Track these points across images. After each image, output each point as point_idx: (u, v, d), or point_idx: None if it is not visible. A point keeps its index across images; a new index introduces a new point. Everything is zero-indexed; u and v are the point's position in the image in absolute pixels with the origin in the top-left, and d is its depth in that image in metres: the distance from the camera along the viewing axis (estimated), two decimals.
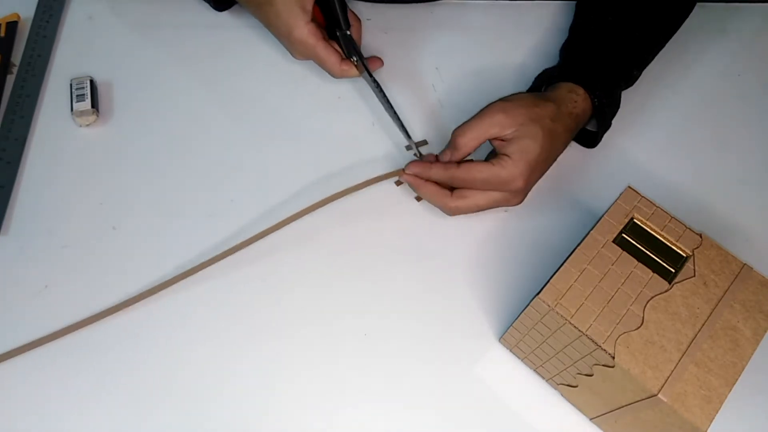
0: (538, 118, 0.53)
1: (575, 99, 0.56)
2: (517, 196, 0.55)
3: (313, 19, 0.58)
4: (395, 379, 0.52)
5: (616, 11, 0.61)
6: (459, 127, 0.54)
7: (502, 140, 0.54)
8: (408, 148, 0.59)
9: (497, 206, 0.56)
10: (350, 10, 0.61)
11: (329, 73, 0.60)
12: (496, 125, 0.53)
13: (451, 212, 0.56)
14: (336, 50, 0.59)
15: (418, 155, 0.59)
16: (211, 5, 0.67)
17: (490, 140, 0.55)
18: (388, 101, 0.59)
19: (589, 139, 0.62)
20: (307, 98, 0.64)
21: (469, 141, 0.54)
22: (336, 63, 0.59)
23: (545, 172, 0.56)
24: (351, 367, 0.52)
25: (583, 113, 0.56)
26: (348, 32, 0.58)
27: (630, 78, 0.62)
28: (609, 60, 0.59)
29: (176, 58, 0.65)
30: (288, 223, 0.55)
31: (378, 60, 0.62)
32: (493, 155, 0.55)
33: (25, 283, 0.53)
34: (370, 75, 0.59)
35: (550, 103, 0.55)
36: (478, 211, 0.56)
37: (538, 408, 0.52)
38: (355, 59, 0.59)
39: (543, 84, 0.61)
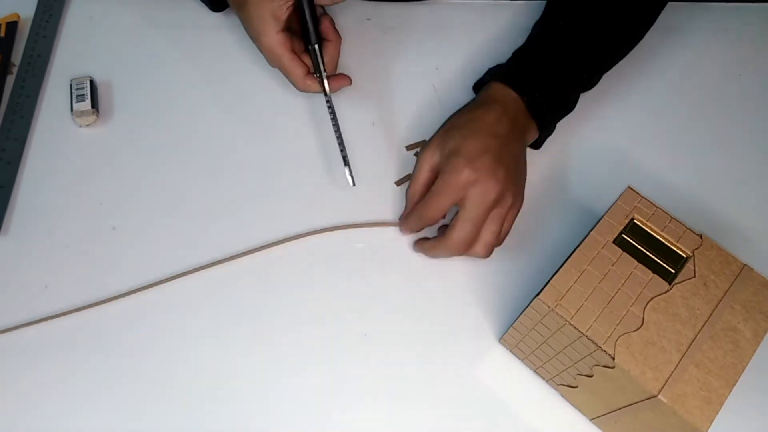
0: (454, 125, 0.55)
1: (501, 93, 0.56)
2: (487, 189, 0.51)
3: (290, 29, 0.57)
4: (395, 380, 0.52)
5: (568, 17, 0.60)
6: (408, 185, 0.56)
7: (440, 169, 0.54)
8: (346, 166, 0.58)
9: (486, 208, 0.52)
10: (332, 25, 0.59)
11: (293, 85, 0.59)
12: (426, 164, 0.54)
13: (465, 244, 0.52)
14: (303, 63, 0.58)
15: (348, 170, 0.58)
16: (207, 6, 0.67)
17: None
18: (337, 125, 0.58)
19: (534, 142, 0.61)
20: (307, 98, 0.64)
21: (415, 192, 0.55)
22: (300, 76, 0.58)
23: (501, 155, 0.53)
24: (351, 367, 0.52)
25: (512, 102, 0.56)
26: (316, 46, 0.57)
27: (579, 81, 0.60)
28: (547, 62, 0.58)
29: (176, 58, 0.65)
30: (289, 241, 0.56)
31: (345, 78, 0.61)
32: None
33: (25, 283, 0.53)
34: (326, 95, 0.58)
35: (470, 106, 0.56)
36: (486, 221, 0.52)
37: (538, 408, 0.52)
38: (317, 75, 0.58)
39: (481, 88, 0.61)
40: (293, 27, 0.58)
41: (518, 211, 0.55)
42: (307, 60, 0.59)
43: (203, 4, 0.67)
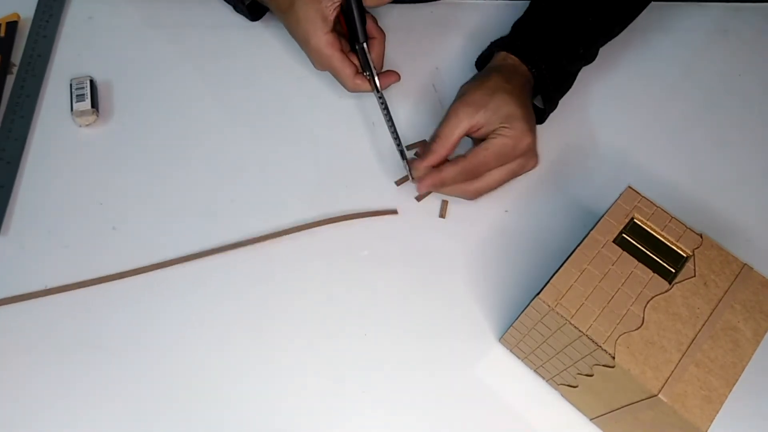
0: (496, 89, 0.56)
1: (512, 62, 0.58)
2: (530, 155, 0.56)
3: (338, 29, 0.58)
4: (395, 379, 0.52)
5: None
6: (435, 132, 0.57)
7: (479, 128, 0.55)
8: (404, 159, 0.58)
9: (516, 175, 0.57)
10: (375, 23, 0.60)
11: (343, 86, 0.59)
12: (464, 118, 0.55)
13: (473, 195, 0.57)
14: (352, 63, 0.58)
15: (409, 173, 0.58)
16: (246, 17, 0.66)
17: (470, 136, 0.57)
18: (391, 121, 0.58)
19: (538, 116, 0.62)
20: (307, 98, 0.64)
21: (446, 141, 0.55)
22: (350, 76, 0.58)
23: (535, 128, 0.57)
24: (351, 367, 0.52)
25: (525, 72, 0.58)
26: (365, 45, 0.57)
27: (575, 55, 0.61)
28: (547, 33, 0.60)
29: (176, 58, 0.65)
30: (286, 234, 0.56)
31: (394, 74, 0.60)
32: (479, 142, 0.56)
33: (25, 283, 0.53)
34: (378, 93, 0.58)
35: (493, 73, 0.58)
36: (499, 186, 0.57)
37: (538, 408, 0.52)
38: (367, 74, 0.58)
39: (486, 60, 0.62)
40: (338, 28, 0.58)
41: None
42: (355, 60, 0.58)
43: (239, 14, 0.67)
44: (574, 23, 0.61)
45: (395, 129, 0.58)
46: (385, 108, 0.58)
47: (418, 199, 0.59)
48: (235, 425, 0.49)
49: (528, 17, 0.62)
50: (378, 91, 0.58)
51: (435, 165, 0.56)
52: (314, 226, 0.57)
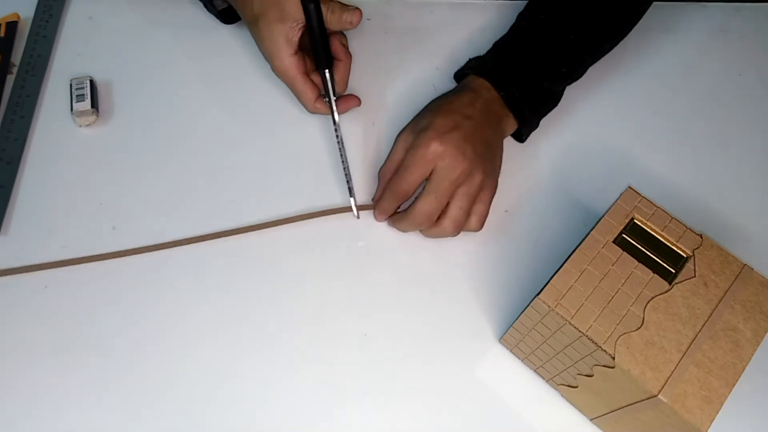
0: (425, 114, 0.56)
1: (481, 84, 0.57)
2: (454, 164, 0.52)
3: (302, 47, 0.57)
4: (395, 380, 0.52)
5: (550, 10, 0.60)
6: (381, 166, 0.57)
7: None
8: (351, 197, 0.58)
9: (451, 183, 0.52)
10: (343, 44, 0.59)
11: (304, 107, 0.59)
12: (400, 145, 0.55)
13: (427, 218, 0.54)
14: (314, 86, 0.58)
15: (355, 210, 0.58)
16: (219, 20, 0.66)
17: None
18: (344, 152, 0.58)
19: (516, 136, 0.62)
20: None
21: (387, 171, 0.56)
22: (310, 100, 0.58)
23: (471, 134, 0.54)
24: (351, 367, 0.52)
25: (494, 96, 0.57)
26: (326, 73, 0.56)
27: (558, 75, 0.60)
28: (523, 54, 0.58)
29: (176, 58, 0.65)
30: (282, 224, 0.56)
31: (354, 99, 0.61)
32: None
33: (25, 283, 0.53)
34: (334, 123, 0.57)
35: (460, 93, 0.57)
36: (455, 197, 0.53)
37: (538, 408, 0.52)
38: (326, 100, 0.58)
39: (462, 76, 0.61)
40: (305, 45, 0.58)
41: (492, 194, 0.55)
42: (318, 80, 0.58)
43: (214, 18, 0.67)
44: (554, 43, 0.59)
45: (347, 164, 0.58)
46: (340, 140, 0.58)
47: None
48: (234, 425, 0.49)
49: (507, 37, 0.61)
50: (334, 122, 0.57)
51: (380, 194, 0.56)
52: (307, 218, 0.57)
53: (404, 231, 0.57)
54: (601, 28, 0.62)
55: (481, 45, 0.63)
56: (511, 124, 0.58)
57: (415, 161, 0.53)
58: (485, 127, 0.55)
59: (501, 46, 0.60)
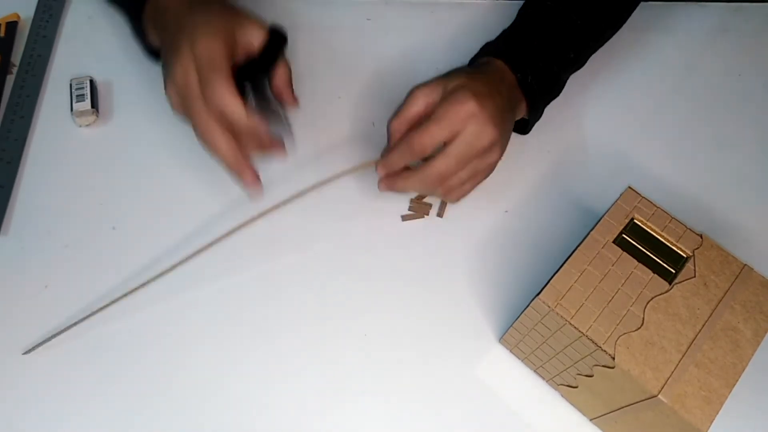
0: (455, 75, 0.52)
1: (497, 65, 0.56)
2: (484, 131, 0.49)
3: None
4: (395, 380, 0.52)
5: None
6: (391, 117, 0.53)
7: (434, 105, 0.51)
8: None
9: (474, 152, 0.50)
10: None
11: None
12: (421, 98, 0.51)
13: (438, 181, 0.51)
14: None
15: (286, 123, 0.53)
16: (146, 54, 0.60)
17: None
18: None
19: (522, 126, 0.61)
20: (306, 97, 0.64)
21: (401, 124, 0.52)
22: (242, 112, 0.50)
23: (502, 112, 0.52)
24: (351, 366, 0.52)
25: (509, 77, 0.55)
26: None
27: (566, 61, 0.60)
28: (535, 37, 0.58)
29: None
30: (275, 209, 0.53)
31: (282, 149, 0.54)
32: None
33: (25, 283, 0.53)
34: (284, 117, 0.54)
35: (473, 70, 0.55)
36: (465, 167, 0.51)
37: (538, 408, 0.52)
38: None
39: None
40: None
41: (486, 177, 0.54)
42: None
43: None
44: (563, 27, 0.59)
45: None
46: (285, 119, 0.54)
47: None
48: (234, 425, 0.49)
49: (517, 23, 0.61)
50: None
51: (395, 142, 0.52)
52: (297, 197, 0.53)
53: (403, 191, 0.53)
54: (605, 14, 0.63)
55: (481, 45, 0.63)
56: (521, 110, 0.58)
57: (447, 116, 0.49)
58: (507, 110, 0.54)
59: (512, 32, 0.60)
